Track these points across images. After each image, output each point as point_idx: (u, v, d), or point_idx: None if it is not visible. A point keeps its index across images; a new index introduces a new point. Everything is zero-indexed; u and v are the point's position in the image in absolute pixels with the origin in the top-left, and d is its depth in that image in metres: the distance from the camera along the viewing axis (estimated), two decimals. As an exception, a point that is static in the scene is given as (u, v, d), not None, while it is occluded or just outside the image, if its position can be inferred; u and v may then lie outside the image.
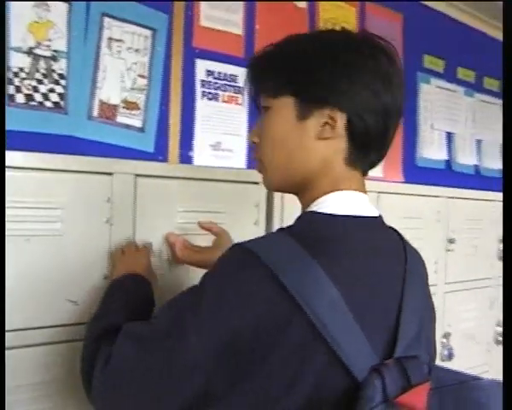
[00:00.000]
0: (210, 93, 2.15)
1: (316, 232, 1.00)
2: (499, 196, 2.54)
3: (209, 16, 2.12)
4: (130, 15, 1.91)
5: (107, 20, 1.85)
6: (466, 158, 3.26)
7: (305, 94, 1.09)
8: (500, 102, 3.51)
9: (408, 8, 2.88)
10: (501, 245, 2.48)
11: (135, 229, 1.36)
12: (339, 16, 2.59)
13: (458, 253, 2.26)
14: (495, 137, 3.48)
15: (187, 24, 2.06)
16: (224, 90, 2.19)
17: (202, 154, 2.13)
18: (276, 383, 0.91)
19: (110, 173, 1.35)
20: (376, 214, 1.12)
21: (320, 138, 1.07)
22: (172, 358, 0.93)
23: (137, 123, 1.94)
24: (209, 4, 2.12)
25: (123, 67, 1.90)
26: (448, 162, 3.16)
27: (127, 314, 1.12)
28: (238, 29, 2.21)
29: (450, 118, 3.16)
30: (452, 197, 2.24)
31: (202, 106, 2.13)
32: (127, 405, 0.99)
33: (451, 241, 2.23)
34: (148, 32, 1.96)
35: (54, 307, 1.27)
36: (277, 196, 1.66)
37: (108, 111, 1.88)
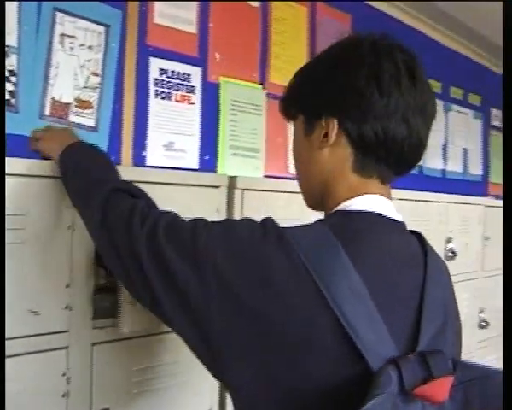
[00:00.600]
0: (163, 92, 2.10)
1: (344, 224, 1.01)
2: (444, 197, 2.61)
3: (163, 13, 2.08)
4: (83, 11, 1.84)
5: (59, 15, 1.78)
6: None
7: (307, 109, 1.11)
8: (441, 103, 3.60)
9: (356, 9, 2.91)
10: (448, 245, 2.55)
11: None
12: (290, 16, 2.58)
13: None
14: (437, 137, 3.56)
15: (141, 21, 2.01)
16: (178, 90, 2.15)
17: (155, 154, 2.09)
18: (286, 360, 0.90)
19: (73, 178, 1.30)
20: (400, 219, 1.09)
21: (321, 148, 1.07)
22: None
23: (90, 122, 1.88)
24: (163, 1, 2.07)
25: (76, 64, 1.84)
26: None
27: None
28: (192, 27, 2.18)
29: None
30: (403, 199, 2.28)
31: (155, 105, 2.08)
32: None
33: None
34: (101, 29, 1.90)
35: (15, 318, 1.21)
36: (238, 200, 1.65)
37: (61, 110, 1.81)
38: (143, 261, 0.99)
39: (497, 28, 3.63)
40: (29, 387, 1.25)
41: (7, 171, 1.17)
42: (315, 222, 1.01)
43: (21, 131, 1.64)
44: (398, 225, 1.07)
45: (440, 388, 0.87)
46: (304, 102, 1.12)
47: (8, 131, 1.58)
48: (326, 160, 1.08)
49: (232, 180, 1.66)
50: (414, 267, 1.04)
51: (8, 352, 1.19)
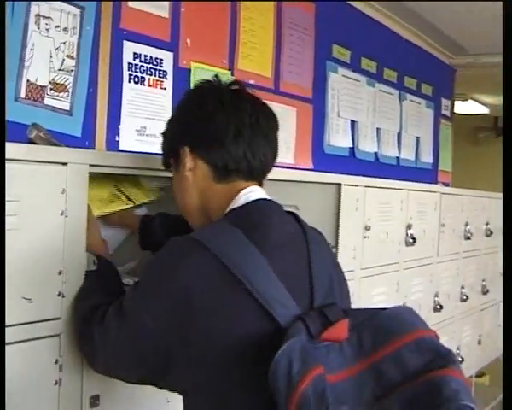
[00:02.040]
0: (136, 76, 2.08)
1: (239, 214, 1.20)
2: (404, 184, 2.68)
3: (137, -3, 2.05)
4: (59, -9, 1.80)
5: (35, -6, 1.74)
6: (367, 146, 3.40)
7: (171, 151, 1.36)
8: (397, 92, 3.68)
9: (320, 0, 2.94)
10: (409, 231, 2.63)
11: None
12: (258, 4, 2.59)
13: (373, 239, 2.37)
14: (392, 125, 3.65)
15: (115, 4, 1.98)
16: (150, 74, 2.13)
17: (128, 139, 2.07)
18: (211, 332, 1.07)
19: (65, 163, 1.28)
20: (269, 198, 1.27)
21: (185, 175, 1.28)
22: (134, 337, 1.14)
23: (65, 106, 1.85)
24: (137, -16, 2.05)
25: (51, 47, 1.80)
26: (352, 150, 3.28)
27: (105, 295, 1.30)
28: (165, 12, 2.16)
29: (354, 107, 3.27)
30: (370, 186, 2.34)
31: (128, 90, 2.06)
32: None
33: (367, 228, 2.33)
34: (76, 10, 1.86)
35: (8, 306, 1.19)
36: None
37: (36, 92, 1.77)
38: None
39: (449, 20, 3.74)
40: (22, 375, 1.23)
41: (0, 155, 1.15)
42: (217, 222, 1.22)
43: (-2, 113, 1.60)
44: (278, 207, 1.26)
45: (339, 329, 1.04)
46: (168, 149, 1.35)
47: (-16, 113, 1.54)
48: (191, 182, 1.28)
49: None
50: (298, 242, 1.23)
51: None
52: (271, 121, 1.31)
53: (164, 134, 1.38)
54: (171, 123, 1.36)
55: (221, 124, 1.23)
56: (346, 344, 1.03)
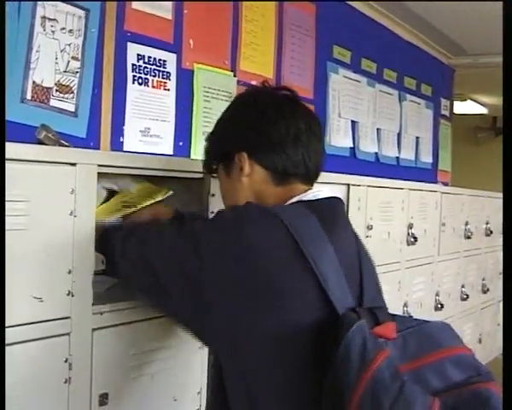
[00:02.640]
0: (140, 78, 2.10)
1: (315, 206, 1.20)
2: (405, 184, 2.70)
3: (140, -2, 2.07)
4: (64, -6, 1.82)
5: (40, -3, 1.76)
6: (368, 146, 3.42)
7: (222, 156, 1.36)
8: (396, 92, 3.70)
9: (321, 1, 2.95)
10: (410, 230, 2.65)
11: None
12: (260, 5, 2.61)
13: (375, 239, 2.39)
14: (392, 126, 3.67)
15: (119, 5, 2.00)
16: (154, 76, 2.15)
17: (132, 140, 2.08)
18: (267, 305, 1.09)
19: (74, 164, 1.29)
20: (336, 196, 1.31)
21: (240, 180, 1.28)
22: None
23: (70, 107, 1.87)
24: (140, -14, 2.06)
25: (57, 48, 1.81)
26: (352, 150, 3.30)
27: None
28: (168, 13, 2.17)
29: (354, 107, 3.29)
30: (372, 186, 2.35)
31: (132, 91, 2.08)
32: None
33: (369, 227, 2.35)
34: (81, 13, 1.87)
35: (19, 305, 1.21)
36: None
37: (42, 94, 1.79)
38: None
39: (448, 21, 3.76)
40: (32, 374, 1.24)
41: (9, 156, 1.16)
42: (289, 204, 1.23)
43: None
44: (338, 202, 1.30)
45: (389, 328, 1.08)
46: (218, 152, 1.35)
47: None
48: (247, 187, 1.28)
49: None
50: (354, 241, 1.27)
51: (12, 339, 1.19)
52: (319, 127, 1.34)
53: (212, 138, 1.38)
54: (222, 127, 1.36)
55: (282, 130, 1.25)
56: (392, 345, 1.05)
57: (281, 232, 1.10)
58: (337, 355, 0.99)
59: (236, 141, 1.28)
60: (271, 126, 1.25)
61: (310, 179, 1.30)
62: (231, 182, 1.30)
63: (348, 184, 2.18)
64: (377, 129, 3.50)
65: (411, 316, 1.18)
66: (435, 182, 4.20)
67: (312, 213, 1.16)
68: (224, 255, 1.11)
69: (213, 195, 1.62)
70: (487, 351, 3.82)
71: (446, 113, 4.42)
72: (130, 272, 1.34)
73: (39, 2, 1.75)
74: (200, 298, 1.14)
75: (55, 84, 1.82)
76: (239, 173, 1.27)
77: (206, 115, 2.36)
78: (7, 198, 1.15)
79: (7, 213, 1.15)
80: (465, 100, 5.60)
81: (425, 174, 4.07)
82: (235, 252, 1.11)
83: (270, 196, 1.26)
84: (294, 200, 1.24)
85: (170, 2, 2.18)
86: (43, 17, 1.77)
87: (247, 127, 1.27)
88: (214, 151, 1.36)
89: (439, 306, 3.00)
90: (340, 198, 1.30)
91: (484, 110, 6.27)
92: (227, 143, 1.31)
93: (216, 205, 1.60)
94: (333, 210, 1.24)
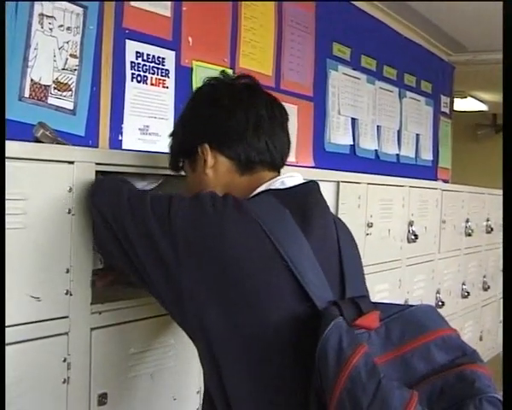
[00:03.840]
0: (139, 75, 2.09)
1: (287, 196, 1.19)
2: (406, 181, 2.69)
3: (139, -5, 2.05)
4: (62, -9, 1.81)
5: (38, -6, 1.74)
6: (368, 143, 3.41)
7: (185, 151, 1.34)
8: (396, 89, 3.69)
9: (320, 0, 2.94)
10: (410, 227, 2.64)
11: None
12: (259, 2, 2.59)
13: (375, 236, 2.38)
14: (392, 123, 3.65)
15: (118, 2, 1.98)
16: (153, 73, 2.14)
17: (131, 138, 2.07)
18: (247, 300, 1.08)
19: (71, 162, 1.28)
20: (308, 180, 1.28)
21: (205, 173, 1.27)
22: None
23: (69, 105, 1.85)
24: (139, -17, 2.05)
25: (55, 46, 1.80)
26: (352, 147, 3.29)
27: None
28: (166, 10, 2.16)
29: (354, 104, 3.27)
30: (372, 183, 2.34)
31: (131, 89, 2.07)
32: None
33: (370, 225, 2.34)
34: (79, 10, 1.86)
35: (17, 305, 1.20)
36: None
37: (40, 92, 1.77)
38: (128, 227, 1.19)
39: (448, 17, 3.74)
40: (30, 374, 1.23)
41: (7, 154, 1.15)
42: (261, 194, 1.21)
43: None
44: (317, 189, 1.26)
45: (372, 318, 1.07)
46: (181, 150, 1.34)
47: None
48: (213, 179, 1.27)
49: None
50: (331, 227, 1.24)
51: (10, 339, 1.18)
52: (284, 112, 1.32)
53: (174, 134, 1.36)
54: (183, 123, 1.35)
55: (241, 118, 1.24)
56: (374, 334, 1.06)
57: (256, 231, 1.10)
58: (315, 356, 0.98)
59: (197, 134, 1.28)
60: (229, 116, 1.24)
61: (275, 166, 1.28)
62: (197, 176, 1.29)
63: (338, 182, 2.17)
64: (377, 126, 3.49)
65: (396, 303, 1.17)
66: (435, 179, 4.18)
67: (283, 204, 1.15)
68: (203, 254, 1.10)
69: (212, 193, 1.61)
70: (488, 348, 3.81)
71: (446, 110, 4.41)
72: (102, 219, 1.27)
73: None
74: (175, 286, 1.13)
75: (53, 81, 1.81)
76: (203, 166, 1.26)
77: (206, 113, 2.34)
78: (7, 197, 1.14)
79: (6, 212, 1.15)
80: (465, 97, 5.59)
81: (425, 171, 4.06)
82: (213, 251, 1.10)
83: (236, 187, 1.25)
84: (262, 188, 1.23)
85: (168, 0, 2.16)
86: (41, 15, 1.76)
87: (206, 119, 1.27)
88: (178, 148, 1.35)
89: (440, 303, 2.99)
90: (314, 182, 1.27)
91: (484, 107, 6.26)
92: (188, 138, 1.31)
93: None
94: (305, 199, 1.21)
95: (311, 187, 1.25)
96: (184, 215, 1.13)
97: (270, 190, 1.22)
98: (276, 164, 1.28)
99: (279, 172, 1.30)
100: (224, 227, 1.10)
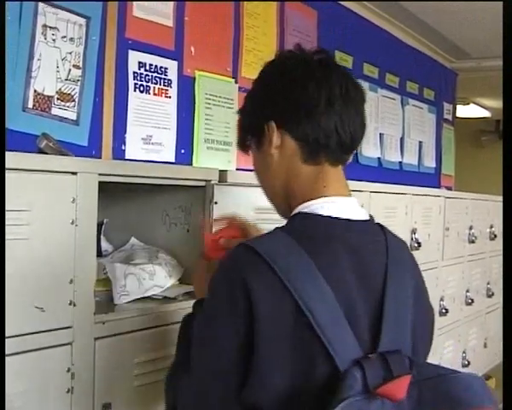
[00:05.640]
0: (142, 85, 2.10)
1: (308, 230, 1.09)
2: (409, 189, 2.69)
3: (142, 6, 2.06)
4: (65, 2, 1.82)
5: (41, 5, 1.75)
6: (370, 151, 3.41)
7: (252, 129, 1.23)
8: (399, 97, 3.69)
9: (322, 6, 2.95)
10: (414, 235, 2.65)
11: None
12: (261, 11, 2.61)
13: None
14: (395, 130, 3.66)
15: (120, 13, 2.00)
16: (155, 83, 2.14)
17: (134, 147, 2.08)
18: (266, 363, 0.99)
19: (75, 173, 1.29)
20: (363, 218, 1.15)
21: (270, 152, 1.17)
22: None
23: (72, 115, 1.86)
24: (141, -7, 2.06)
25: (58, 57, 1.81)
26: (355, 155, 3.28)
27: None
28: (169, 20, 2.17)
29: (356, 112, 3.27)
30: (375, 192, 2.35)
31: (134, 98, 2.07)
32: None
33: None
34: (82, 21, 1.87)
35: (21, 315, 1.20)
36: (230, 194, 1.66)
37: (43, 102, 1.78)
38: None
39: (450, 25, 3.75)
40: (35, 384, 1.23)
41: (10, 166, 1.16)
42: (276, 231, 1.09)
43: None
44: (357, 226, 1.13)
45: (399, 386, 0.97)
46: (248, 127, 1.24)
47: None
48: (277, 160, 1.17)
49: (222, 174, 1.67)
50: (375, 267, 1.11)
51: (14, 349, 1.18)
52: (360, 92, 1.20)
53: (242, 111, 1.26)
54: (251, 98, 1.24)
55: (312, 94, 1.12)
56: (405, 398, 0.98)
57: (275, 282, 1.00)
58: None
59: (264, 110, 1.17)
60: (300, 90, 1.13)
61: (343, 151, 1.15)
62: (262, 157, 1.19)
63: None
64: (380, 134, 3.49)
65: (436, 365, 1.08)
66: (438, 186, 4.18)
67: (302, 244, 1.04)
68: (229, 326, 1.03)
69: (216, 202, 1.61)
70: (492, 355, 3.80)
71: (449, 117, 4.41)
72: None
73: (40, 11, 1.75)
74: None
75: (57, 92, 1.82)
76: (269, 146, 1.16)
77: (208, 122, 2.35)
78: (8, 208, 1.15)
79: (8, 222, 1.15)
80: (468, 104, 5.59)
81: (428, 179, 4.06)
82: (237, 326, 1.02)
83: (297, 178, 1.15)
84: (296, 211, 1.14)
85: (171, 10, 2.17)
86: (44, 26, 1.77)
87: (275, 94, 1.16)
88: (245, 125, 1.25)
89: (444, 311, 2.99)
90: (375, 224, 1.16)
91: (487, 113, 6.26)
92: (256, 114, 1.20)
93: (219, 213, 1.60)
94: (330, 237, 1.08)
95: (340, 224, 1.11)
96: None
97: (299, 214, 1.13)
98: (344, 149, 1.15)
99: (344, 162, 1.18)
100: (242, 296, 1.01)
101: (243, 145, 1.26)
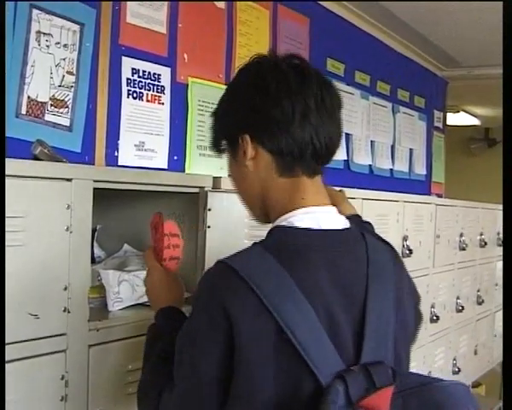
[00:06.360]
0: (135, 92, 2.09)
1: (286, 245, 1.08)
2: (400, 196, 2.70)
3: (135, 13, 2.07)
4: (59, 8, 1.82)
5: (35, 12, 1.75)
6: (361, 158, 3.42)
7: (226, 136, 1.23)
8: (390, 105, 3.71)
9: (314, 13, 2.97)
10: (405, 242, 2.66)
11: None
12: (253, 18, 2.61)
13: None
14: (386, 138, 3.67)
15: (114, 20, 2.00)
16: (149, 90, 2.14)
17: (127, 154, 2.08)
18: (249, 381, 1.00)
19: (69, 179, 1.29)
20: (343, 226, 1.15)
21: (245, 164, 1.16)
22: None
23: (65, 122, 1.86)
24: (135, 1, 2.06)
25: (51, 63, 1.81)
26: (346, 162, 3.30)
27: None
28: (162, 27, 2.18)
29: (348, 120, 3.29)
30: (367, 199, 2.36)
31: (127, 105, 2.07)
32: None
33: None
34: (76, 27, 1.87)
35: (15, 322, 1.20)
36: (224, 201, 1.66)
37: (37, 109, 1.78)
38: None
39: (441, 33, 3.78)
40: (29, 391, 1.23)
41: (5, 172, 1.15)
42: (254, 247, 1.09)
43: None
44: (336, 236, 1.13)
45: (383, 398, 0.97)
46: (222, 132, 1.23)
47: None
48: (252, 172, 1.16)
49: (216, 181, 1.67)
50: (355, 279, 1.10)
51: (8, 357, 1.17)
52: (336, 99, 1.18)
53: (216, 116, 1.25)
54: (226, 104, 1.22)
55: (287, 110, 1.10)
56: (390, 409, 0.98)
57: (255, 304, 1.00)
58: None
59: (238, 123, 1.16)
60: (275, 105, 1.11)
61: (318, 161, 1.15)
62: (238, 166, 1.19)
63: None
64: (371, 141, 3.51)
65: (420, 374, 1.09)
66: (429, 194, 4.20)
67: (280, 259, 1.04)
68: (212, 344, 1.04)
69: (210, 209, 1.62)
70: (483, 362, 3.82)
71: (439, 124, 4.44)
72: None
73: (34, 18, 1.75)
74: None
75: (50, 98, 1.81)
76: (243, 157, 1.15)
77: (201, 129, 2.35)
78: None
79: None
80: (458, 111, 5.62)
81: (419, 186, 4.08)
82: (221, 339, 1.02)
83: (274, 190, 1.15)
84: (275, 224, 1.14)
85: (164, 17, 2.18)
86: (38, 32, 1.77)
87: (248, 107, 1.14)
88: (218, 130, 1.24)
89: (435, 318, 3.00)
90: (346, 228, 1.15)
91: (477, 121, 6.30)
92: (229, 124, 1.19)
93: (213, 220, 1.60)
94: (309, 250, 1.08)
95: (318, 236, 1.11)
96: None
97: (277, 227, 1.13)
98: (321, 159, 1.15)
99: (319, 173, 1.17)
100: (226, 312, 1.01)
101: (217, 149, 1.25)
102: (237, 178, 1.23)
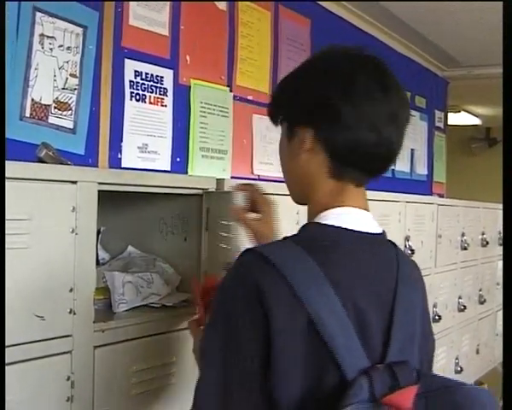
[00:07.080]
0: (138, 94, 2.10)
1: (318, 240, 1.07)
2: (402, 196, 2.71)
3: (137, 15, 2.08)
4: (62, 11, 1.83)
5: (38, 15, 1.76)
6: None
7: (288, 117, 1.18)
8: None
9: (316, 15, 2.97)
10: (407, 242, 2.66)
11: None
12: (255, 20, 2.62)
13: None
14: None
15: (117, 22, 2.01)
16: (151, 92, 2.15)
17: (130, 156, 2.08)
18: (280, 374, 0.99)
19: (74, 182, 1.29)
20: (376, 231, 1.14)
21: (299, 154, 1.13)
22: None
23: (69, 124, 1.87)
24: (137, 1, 2.07)
25: (55, 66, 1.82)
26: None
27: None
28: (164, 29, 2.19)
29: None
30: (369, 199, 2.36)
31: (130, 107, 2.08)
32: None
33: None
34: (79, 30, 1.88)
35: (21, 324, 1.20)
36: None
37: (40, 111, 1.79)
38: None
39: (442, 33, 3.79)
40: (34, 393, 1.24)
41: (10, 175, 1.16)
42: (287, 241, 1.08)
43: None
44: (368, 238, 1.12)
45: (406, 396, 0.97)
46: (285, 110, 1.18)
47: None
48: (304, 164, 1.13)
49: (219, 182, 1.68)
50: (385, 281, 1.11)
51: (14, 358, 1.18)
52: (407, 111, 1.18)
53: (282, 92, 1.20)
54: (297, 87, 1.16)
55: (362, 116, 1.07)
56: (412, 409, 0.98)
57: (287, 293, 0.99)
58: None
59: (304, 114, 1.12)
60: (351, 110, 1.07)
61: (369, 176, 1.14)
62: (290, 149, 1.15)
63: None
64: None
65: (443, 377, 1.07)
66: (430, 194, 4.21)
67: (312, 254, 1.03)
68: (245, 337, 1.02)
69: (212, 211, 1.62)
70: (485, 362, 3.82)
71: (440, 124, 4.44)
72: None
73: (37, 21, 1.76)
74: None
75: (54, 101, 1.82)
76: (299, 145, 1.12)
77: (203, 131, 2.37)
78: (8, 217, 1.15)
79: (8, 232, 1.15)
80: (459, 111, 5.63)
81: (420, 186, 4.09)
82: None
83: (318, 188, 1.13)
84: (311, 220, 1.13)
85: (167, 19, 2.19)
86: (42, 35, 1.78)
87: (321, 104, 1.09)
88: (281, 107, 1.20)
89: (437, 317, 3.00)
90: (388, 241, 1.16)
91: (477, 121, 6.31)
92: (295, 110, 1.15)
93: (213, 221, 1.61)
94: (343, 250, 1.08)
95: (352, 237, 1.10)
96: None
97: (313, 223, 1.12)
98: (375, 168, 1.14)
99: (367, 182, 1.16)
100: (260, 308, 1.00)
101: (274, 120, 1.21)
102: (287, 159, 1.19)
